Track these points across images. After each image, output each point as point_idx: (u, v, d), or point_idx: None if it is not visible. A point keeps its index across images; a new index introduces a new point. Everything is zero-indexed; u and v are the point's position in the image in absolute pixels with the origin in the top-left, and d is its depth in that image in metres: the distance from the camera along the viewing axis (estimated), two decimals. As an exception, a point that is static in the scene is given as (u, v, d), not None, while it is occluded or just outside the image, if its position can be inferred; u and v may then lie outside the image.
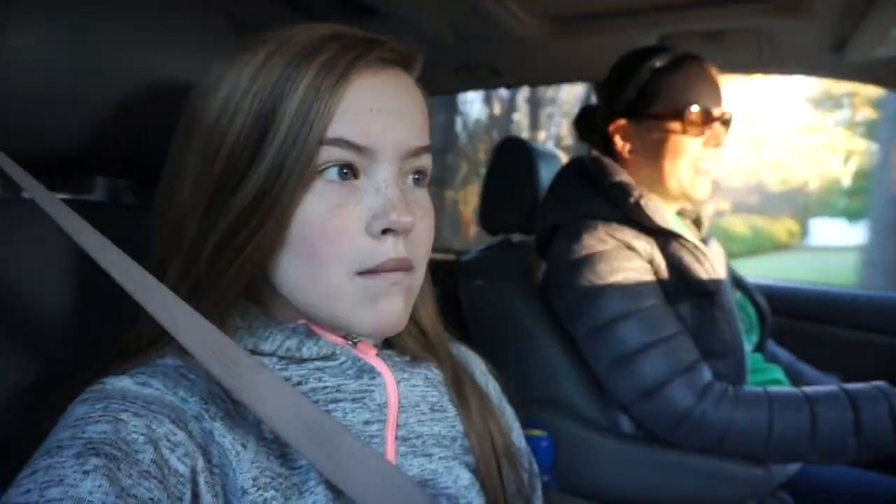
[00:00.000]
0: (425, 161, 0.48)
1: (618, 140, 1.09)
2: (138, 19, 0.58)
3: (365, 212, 0.44)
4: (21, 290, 0.51)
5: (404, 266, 0.45)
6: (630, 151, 1.08)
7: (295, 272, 0.45)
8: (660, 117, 1.03)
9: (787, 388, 0.96)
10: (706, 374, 0.95)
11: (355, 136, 0.43)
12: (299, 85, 0.42)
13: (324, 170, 0.43)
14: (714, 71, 1.05)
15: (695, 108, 1.01)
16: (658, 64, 1.05)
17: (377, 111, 0.44)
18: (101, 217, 0.49)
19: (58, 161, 0.57)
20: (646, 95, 1.05)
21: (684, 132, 1.02)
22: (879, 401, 0.88)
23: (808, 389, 0.93)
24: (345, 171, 0.44)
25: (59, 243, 0.53)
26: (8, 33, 0.48)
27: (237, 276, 0.44)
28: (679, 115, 1.01)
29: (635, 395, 0.98)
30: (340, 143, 0.43)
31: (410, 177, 0.48)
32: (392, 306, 0.46)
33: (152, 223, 0.49)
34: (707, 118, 1.02)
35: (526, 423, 0.69)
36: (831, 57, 1.27)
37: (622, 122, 1.08)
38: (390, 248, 0.44)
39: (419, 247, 0.47)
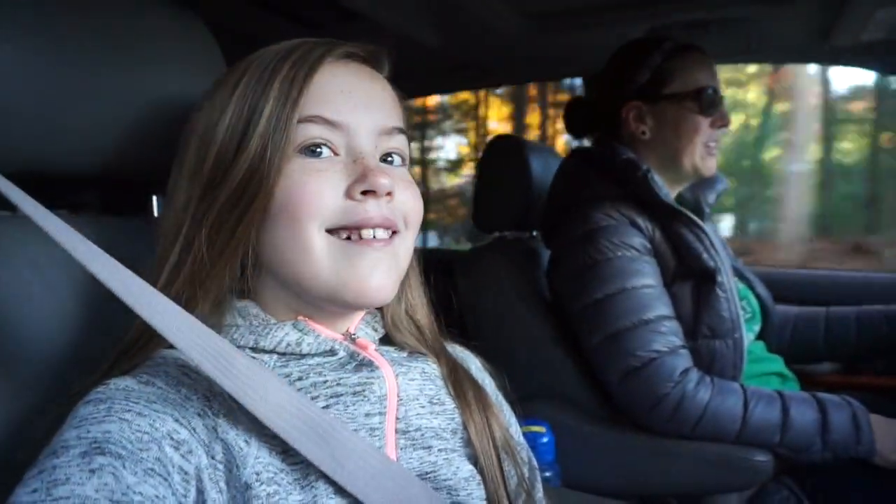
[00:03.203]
0: (399, 142, 0.52)
1: (631, 122, 1.12)
2: (130, 38, 0.59)
3: (344, 179, 0.48)
4: (17, 309, 0.51)
5: (386, 224, 0.48)
6: (644, 132, 1.11)
7: (278, 239, 0.47)
8: (675, 97, 1.07)
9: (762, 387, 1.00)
10: (687, 360, 0.99)
11: (329, 113, 0.48)
12: (276, 79, 0.47)
13: (304, 148, 0.47)
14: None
15: (709, 89, 1.06)
16: (669, 48, 1.09)
17: (347, 93, 0.49)
18: (95, 229, 0.50)
19: (51, 176, 0.58)
20: (660, 77, 1.09)
21: (699, 111, 1.06)
22: (845, 409, 0.96)
23: (782, 390, 1.00)
24: (321, 148, 0.48)
25: (54, 262, 0.53)
26: None
27: (231, 257, 0.47)
28: (695, 94, 1.06)
29: (619, 374, 1.01)
30: (317, 119, 0.47)
31: (387, 156, 0.51)
32: (375, 272, 0.48)
33: (148, 234, 0.49)
34: (718, 99, 1.07)
35: (526, 419, 0.69)
36: (818, 43, 1.28)
37: (636, 104, 1.11)
38: (371, 208, 0.47)
39: (406, 213, 0.50)
